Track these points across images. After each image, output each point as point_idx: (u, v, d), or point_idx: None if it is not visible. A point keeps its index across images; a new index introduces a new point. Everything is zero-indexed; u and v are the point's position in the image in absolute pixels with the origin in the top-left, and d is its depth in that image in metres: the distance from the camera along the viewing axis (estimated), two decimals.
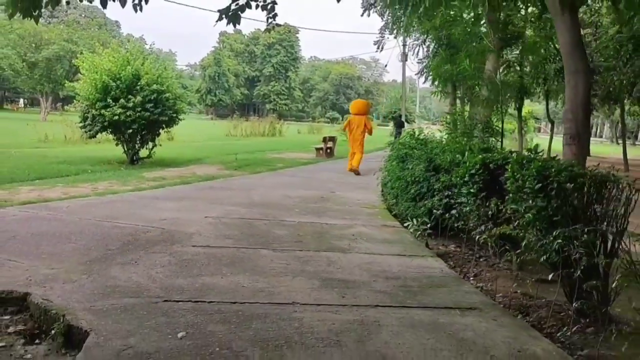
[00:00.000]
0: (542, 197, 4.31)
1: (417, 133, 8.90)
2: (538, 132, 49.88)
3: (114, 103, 13.84)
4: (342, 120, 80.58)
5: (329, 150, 20.67)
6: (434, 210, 6.76)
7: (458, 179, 6.26)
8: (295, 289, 4.53)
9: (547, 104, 23.43)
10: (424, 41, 18.18)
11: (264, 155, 19.83)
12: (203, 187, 10.59)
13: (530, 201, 4.40)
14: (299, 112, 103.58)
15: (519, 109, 24.75)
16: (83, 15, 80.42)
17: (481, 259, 6.57)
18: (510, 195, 4.84)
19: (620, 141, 33.35)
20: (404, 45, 31.29)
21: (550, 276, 4.39)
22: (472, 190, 5.88)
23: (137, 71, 14.38)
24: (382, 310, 4.12)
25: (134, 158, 15.02)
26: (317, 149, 20.60)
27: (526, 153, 5.02)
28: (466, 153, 6.16)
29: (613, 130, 63.41)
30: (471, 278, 5.75)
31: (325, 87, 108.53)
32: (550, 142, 22.63)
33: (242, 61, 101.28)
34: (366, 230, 7.12)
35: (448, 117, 12.61)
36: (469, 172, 5.94)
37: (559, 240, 4.03)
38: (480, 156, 5.84)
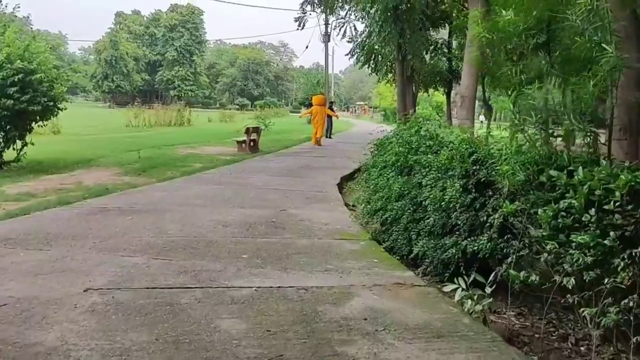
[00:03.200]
0: None
1: (424, 127, 5.96)
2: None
3: None
4: (253, 107, 77.59)
5: (252, 144, 17.37)
6: (499, 267, 3.91)
7: (551, 213, 3.47)
8: None
9: (484, 86, 21.40)
10: (368, 12, 15.32)
11: (174, 152, 16.09)
12: (89, 211, 7.06)
13: None
14: (205, 99, 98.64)
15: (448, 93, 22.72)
16: None
17: (580, 345, 3.87)
18: None
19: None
20: (327, 25, 28.36)
21: None
22: (604, 242, 3.11)
23: None
24: None
25: None
26: (239, 142, 17.11)
27: None
28: (580, 169, 3.34)
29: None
30: None
31: (233, 73, 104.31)
32: (488, 131, 20.68)
33: (142, 44, 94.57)
34: (377, 302, 4.10)
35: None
36: (596, 205, 3.16)
37: None
38: (625, 176, 3.04)
